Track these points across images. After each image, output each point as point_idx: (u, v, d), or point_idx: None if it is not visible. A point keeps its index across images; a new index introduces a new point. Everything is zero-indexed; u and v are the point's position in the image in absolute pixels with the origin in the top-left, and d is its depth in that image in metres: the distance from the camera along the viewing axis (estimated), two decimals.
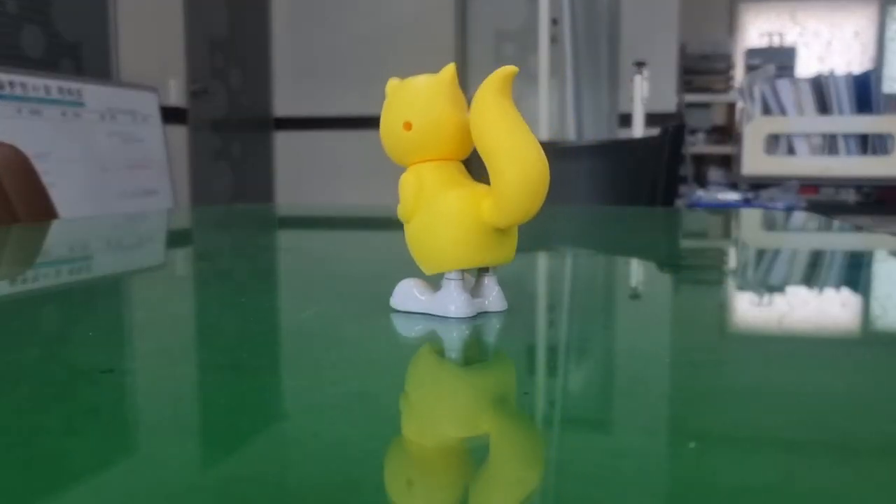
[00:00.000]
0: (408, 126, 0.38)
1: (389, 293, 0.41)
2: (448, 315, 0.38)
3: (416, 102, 0.38)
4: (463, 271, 0.38)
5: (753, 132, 2.99)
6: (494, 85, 0.36)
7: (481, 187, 0.37)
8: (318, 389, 0.28)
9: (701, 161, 4.87)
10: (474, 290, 0.40)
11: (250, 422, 0.24)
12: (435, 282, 0.40)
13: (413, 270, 0.40)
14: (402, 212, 0.39)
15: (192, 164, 3.84)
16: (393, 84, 0.39)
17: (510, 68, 0.36)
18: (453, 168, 0.38)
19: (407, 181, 0.38)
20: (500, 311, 0.40)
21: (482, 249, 0.37)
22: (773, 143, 3.04)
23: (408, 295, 0.40)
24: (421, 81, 0.38)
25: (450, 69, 0.38)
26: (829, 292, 0.49)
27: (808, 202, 2.95)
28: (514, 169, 0.35)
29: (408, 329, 0.38)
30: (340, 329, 0.38)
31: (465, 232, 0.37)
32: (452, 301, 0.38)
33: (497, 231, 0.37)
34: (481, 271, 0.40)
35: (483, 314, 0.39)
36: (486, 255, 0.37)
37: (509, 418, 0.26)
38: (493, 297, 0.40)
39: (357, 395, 0.27)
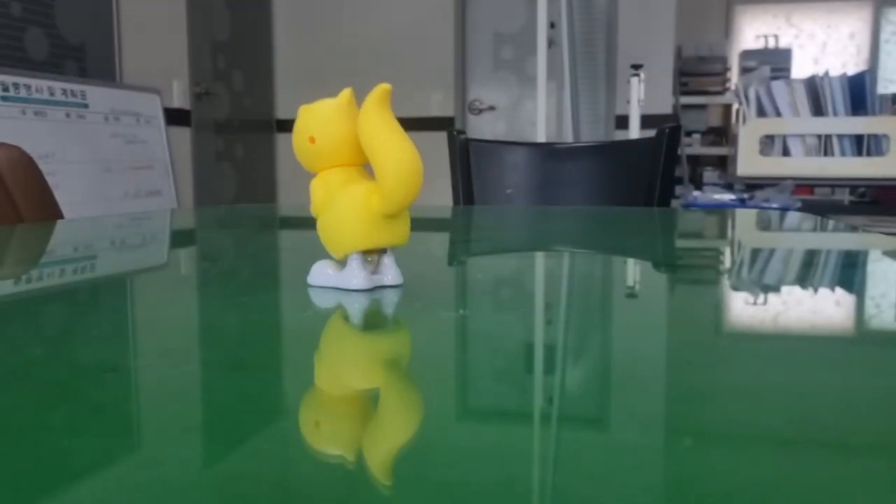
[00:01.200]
0: (312, 140, 0.46)
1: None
2: (350, 288, 0.47)
3: (317, 122, 0.46)
4: (363, 253, 0.47)
5: (749, 133, 3.03)
6: (374, 100, 0.43)
7: (373, 184, 0.45)
8: (318, 387, 0.29)
9: (697, 162, 4.90)
10: (376, 268, 0.48)
11: (253, 420, 0.25)
12: (343, 262, 0.48)
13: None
14: (312, 209, 0.47)
15: (195, 165, 3.87)
16: (303, 108, 0.47)
17: (385, 86, 0.43)
18: (354, 172, 0.47)
19: (315, 185, 0.47)
20: (397, 285, 0.48)
21: (375, 234, 0.45)
22: (769, 144, 3.07)
23: (321, 273, 0.49)
24: (322, 105, 0.46)
25: (346, 94, 0.46)
26: (824, 292, 0.49)
27: (804, 202, 2.98)
28: (390, 166, 0.43)
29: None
30: (339, 327, 0.39)
31: (359, 220, 0.45)
32: (354, 276, 0.47)
33: (388, 218, 0.45)
34: (381, 252, 0.48)
35: (381, 287, 0.48)
36: (379, 239, 0.46)
37: (398, 373, 0.31)
38: (391, 274, 0.48)
39: (358, 393, 0.28)
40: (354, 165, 0.47)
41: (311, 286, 0.49)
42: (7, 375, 0.30)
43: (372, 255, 0.48)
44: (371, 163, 0.44)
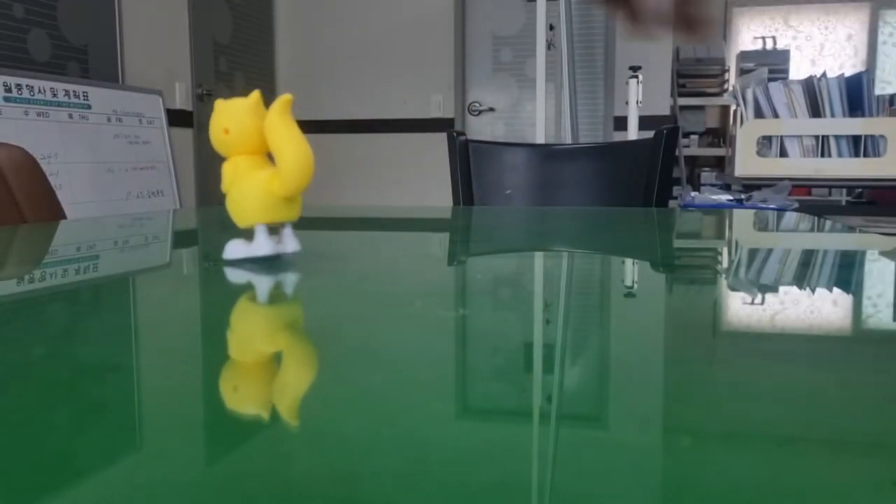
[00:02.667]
0: (226, 131, 0.55)
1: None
2: (259, 254, 0.57)
3: (231, 116, 0.56)
4: (267, 226, 0.56)
5: (746, 134, 3.04)
6: (278, 106, 0.53)
7: (274, 170, 0.54)
8: (319, 385, 0.29)
9: (695, 163, 4.92)
10: (278, 238, 0.58)
11: (254, 418, 0.25)
12: (249, 238, 0.57)
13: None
14: (223, 187, 0.57)
15: (197, 165, 3.89)
16: (219, 103, 0.57)
17: (287, 96, 0.53)
18: (259, 159, 0.57)
19: (226, 167, 0.57)
20: (296, 252, 0.59)
21: (274, 210, 0.56)
22: (766, 144, 3.08)
23: (234, 249, 0.58)
24: (236, 103, 0.56)
25: (255, 95, 0.56)
26: (821, 291, 0.49)
27: (801, 203, 2.99)
28: (287, 158, 0.53)
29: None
30: (340, 326, 0.40)
31: (262, 199, 0.55)
32: (260, 244, 0.57)
33: (285, 198, 0.55)
34: (281, 226, 0.58)
35: (284, 253, 0.58)
36: (277, 214, 0.56)
37: (298, 338, 0.37)
38: (291, 242, 0.58)
39: (359, 392, 0.28)
40: (259, 154, 0.56)
41: (226, 260, 0.58)
42: (9, 374, 0.30)
43: (274, 227, 0.58)
44: (273, 156, 0.54)
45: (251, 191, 0.55)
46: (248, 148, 0.56)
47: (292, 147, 0.53)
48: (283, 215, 0.56)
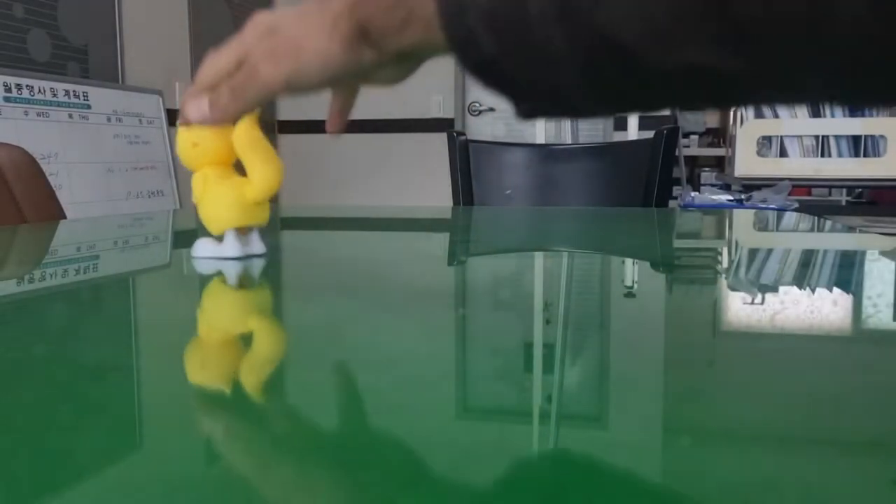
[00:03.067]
0: (195, 145, 0.58)
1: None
2: (226, 256, 0.60)
3: (199, 131, 0.58)
4: (237, 230, 0.59)
5: (746, 134, 3.04)
6: (245, 119, 0.56)
7: (243, 179, 0.58)
8: (319, 385, 0.29)
9: (695, 163, 4.92)
10: (245, 240, 0.61)
11: (253, 417, 0.25)
12: (220, 239, 0.60)
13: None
14: (194, 198, 0.60)
15: None
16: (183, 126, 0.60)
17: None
18: (226, 169, 0.59)
19: (196, 179, 0.59)
20: (262, 254, 0.61)
21: (245, 215, 0.59)
22: (766, 145, 3.08)
23: (203, 247, 0.61)
24: None
25: None
26: (821, 291, 0.49)
27: (801, 203, 2.99)
28: (257, 167, 0.56)
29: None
30: (341, 327, 0.40)
31: (234, 205, 0.58)
32: (229, 246, 0.60)
33: (254, 204, 0.58)
34: (248, 230, 0.61)
35: (252, 255, 0.61)
36: (246, 219, 0.59)
37: (266, 321, 0.40)
38: (257, 245, 0.61)
39: (358, 391, 0.28)
40: (226, 165, 0.59)
41: (195, 258, 0.61)
42: (10, 373, 0.30)
43: (243, 231, 0.61)
44: (245, 165, 0.57)
45: (224, 197, 0.58)
46: (216, 159, 0.59)
47: (261, 158, 0.57)
48: (254, 219, 0.60)
